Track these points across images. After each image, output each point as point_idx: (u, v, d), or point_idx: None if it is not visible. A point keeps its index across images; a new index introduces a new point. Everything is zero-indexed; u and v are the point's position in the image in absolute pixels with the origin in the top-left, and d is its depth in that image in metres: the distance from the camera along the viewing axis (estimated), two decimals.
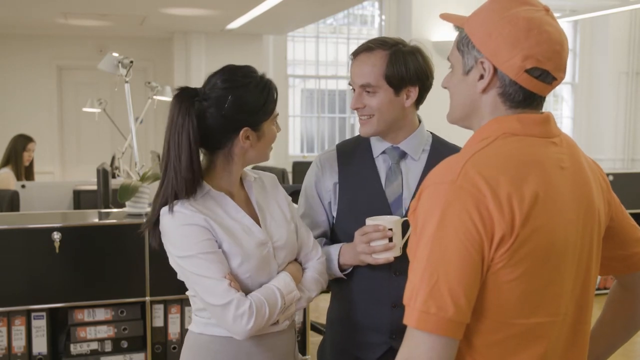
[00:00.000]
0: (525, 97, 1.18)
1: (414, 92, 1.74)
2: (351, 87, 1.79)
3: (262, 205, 1.70)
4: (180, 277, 1.63)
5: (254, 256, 1.59)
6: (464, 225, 1.06)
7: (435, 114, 2.58)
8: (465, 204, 1.07)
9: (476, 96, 1.21)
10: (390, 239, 1.64)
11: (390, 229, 1.64)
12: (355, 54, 1.77)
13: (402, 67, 1.70)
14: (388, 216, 1.71)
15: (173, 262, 1.61)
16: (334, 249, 1.79)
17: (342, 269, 1.78)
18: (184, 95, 1.58)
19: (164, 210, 1.57)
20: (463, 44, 1.22)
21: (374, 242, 1.65)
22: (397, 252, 1.65)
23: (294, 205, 1.82)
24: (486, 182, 1.08)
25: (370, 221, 1.68)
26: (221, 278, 1.52)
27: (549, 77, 1.17)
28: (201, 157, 1.63)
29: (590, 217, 1.20)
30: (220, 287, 1.51)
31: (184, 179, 1.54)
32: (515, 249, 1.07)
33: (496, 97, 1.19)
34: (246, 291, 1.56)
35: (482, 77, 1.19)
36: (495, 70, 1.17)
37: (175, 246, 1.57)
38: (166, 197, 1.57)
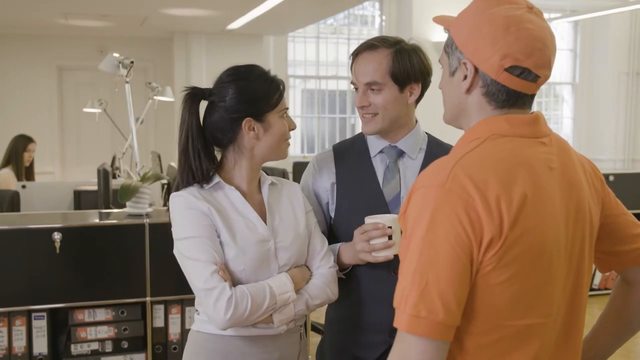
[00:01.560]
0: (509, 96, 1.17)
1: (416, 89, 1.76)
2: (353, 87, 1.79)
3: (273, 206, 1.70)
4: (180, 265, 1.64)
5: (250, 251, 1.59)
6: (453, 229, 1.06)
7: (433, 114, 2.59)
8: (454, 207, 1.07)
9: (462, 97, 1.21)
10: (390, 237, 1.64)
11: (390, 227, 1.64)
12: (358, 52, 1.77)
13: (407, 64, 1.72)
14: (387, 214, 1.71)
15: (174, 249, 1.62)
16: (333, 248, 1.79)
17: (341, 269, 1.78)
18: (190, 95, 1.65)
19: (172, 194, 1.64)
20: (448, 45, 1.23)
21: (374, 240, 1.65)
22: (396, 250, 1.65)
23: (313, 215, 1.79)
24: (475, 185, 1.08)
25: (369, 220, 1.68)
26: (210, 263, 1.53)
27: (531, 75, 1.16)
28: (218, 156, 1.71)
29: (581, 217, 1.20)
30: (207, 271, 1.53)
31: (185, 170, 1.63)
32: (504, 251, 1.07)
33: (481, 97, 1.19)
34: (239, 284, 1.57)
35: (465, 77, 1.19)
36: (476, 70, 1.17)
37: (175, 229, 1.61)
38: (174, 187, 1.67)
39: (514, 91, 1.17)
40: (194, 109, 1.64)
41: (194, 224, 1.57)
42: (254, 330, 1.61)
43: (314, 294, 1.67)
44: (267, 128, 1.64)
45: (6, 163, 5.40)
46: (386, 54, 1.72)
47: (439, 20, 1.28)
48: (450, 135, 1.62)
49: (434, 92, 1.37)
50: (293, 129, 1.70)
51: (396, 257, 1.66)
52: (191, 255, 1.56)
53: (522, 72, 1.15)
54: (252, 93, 1.62)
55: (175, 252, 1.62)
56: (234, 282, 1.57)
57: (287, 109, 1.69)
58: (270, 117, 1.63)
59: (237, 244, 1.59)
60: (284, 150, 1.70)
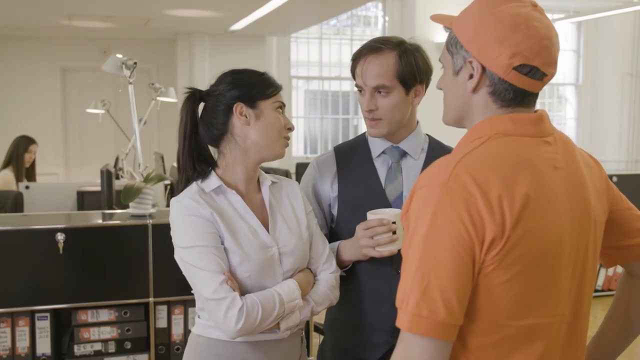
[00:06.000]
0: (516, 94, 1.17)
1: (421, 91, 1.76)
2: (358, 89, 1.77)
3: (275, 209, 1.69)
4: (183, 271, 1.62)
5: (254, 258, 1.58)
6: (455, 228, 1.06)
7: (432, 115, 2.59)
8: (456, 206, 1.06)
9: (467, 96, 1.20)
10: (394, 232, 1.63)
11: (394, 222, 1.63)
12: (361, 55, 1.75)
13: (413, 66, 1.71)
14: (389, 209, 1.71)
15: (176, 255, 1.61)
16: (332, 246, 1.78)
17: (341, 266, 1.77)
18: (189, 96, 1.66)
19: (173, 199, 1.61)
20: (452, 44, 1.21)
21: (378, 235, 1.64)
22: (400, 245, 1.64)
23: (313, 215, 1.77)
24: (477, 184, 1.07)
25: (371, 215, 1.67)
26: (218, 272, 1.52)
27: (538, 73, 1.15)
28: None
29: (585, 216, 1.20)
30: (216, 281, 1.51)
31: (185, 169, 1.64)
32: (507, 251, 1.07)
33: (487, 96, 1.18)
34: (245, 291, 1.56)
35: (471, 76, 1.18)
36: (483, 69, 1.16)
37: (178, 236, 1.59)
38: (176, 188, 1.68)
39: (520, 90, 1.16)
40: (191, 108, 1.65)
41: (197, 231, 1.55)
42: (257, 336, 1.60)
43: (318, 300, 1.67)
44: (259, 115, 1.62)
45: (7, 164, 5.41)
46: (392, 56, 1.71)
47: (437, 18, 1.26)
48: (443, 133, 1.62)
49: (438, 92, 1.35)
50: (291, 129, 1.67)
51: (399, 255, 1.65)
52: (197, 264, 1.54)
53: (530, 70, 1.14)
54: (245, 80, 1.63)
55: (177, 258, 1.60)
56: (240, 289, 1.55)
57: (284, 105, 1.67)
58: (262, 105, 1.62)
59: (242, 250, 1.57)
60: (280, 147, 1.65)
